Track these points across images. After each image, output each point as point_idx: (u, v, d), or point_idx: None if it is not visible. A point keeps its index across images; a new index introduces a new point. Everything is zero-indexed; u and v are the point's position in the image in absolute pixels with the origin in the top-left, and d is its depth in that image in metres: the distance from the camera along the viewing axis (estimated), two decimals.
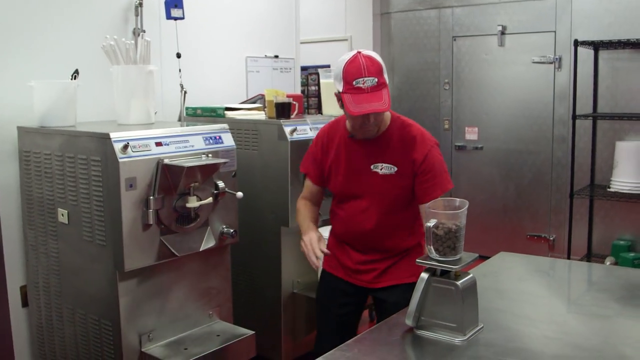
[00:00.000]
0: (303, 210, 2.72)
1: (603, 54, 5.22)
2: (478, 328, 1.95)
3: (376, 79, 2.25)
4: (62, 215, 2.91)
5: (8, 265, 3.19)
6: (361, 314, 2.81)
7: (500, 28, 5.75)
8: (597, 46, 5.08)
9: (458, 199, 1.92)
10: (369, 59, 2.29)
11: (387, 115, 2.48)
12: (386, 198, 2.49)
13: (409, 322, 1.94)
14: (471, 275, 1.95)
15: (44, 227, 3.07)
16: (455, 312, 1.89)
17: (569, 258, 5.13)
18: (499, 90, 5.89)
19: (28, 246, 3.22)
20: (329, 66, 6.40)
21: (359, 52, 2.31)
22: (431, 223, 1.86)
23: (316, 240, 2.50)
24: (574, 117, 4.99)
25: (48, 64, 3.31)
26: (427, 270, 1.93)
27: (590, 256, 5.36)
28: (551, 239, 5.73)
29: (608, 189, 5.04)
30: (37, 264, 3.17)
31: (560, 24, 5.44)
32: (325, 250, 2.48)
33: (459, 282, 1.88)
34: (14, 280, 3.29)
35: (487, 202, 6.05)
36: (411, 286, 2.56)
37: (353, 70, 2.26)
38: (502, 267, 2.77)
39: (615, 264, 5.06)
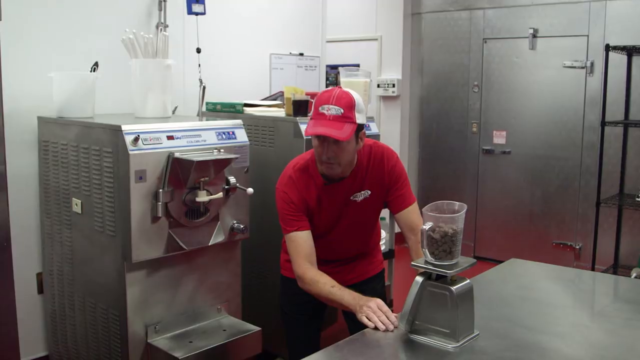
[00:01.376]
0: (322, 278, 2.31)
1: (637, 60, 5.10)
2: (473, 335, 1.92)
3: (342, 110, 2.21)
4: (76, 205, 2.96)
5: (25, 252, 3.28)
6: (324, 312, 2.73)
7: (531, 31, 5.65)
8: (630, 51, 4.97)
9: (458, 203, 1.89)
10: (344, 92, 2.26)
11: (352, 157, 2.37)
12: (367, 222, 2.60)
13: (402, 325, 1.92)
14: (467, 280, 1.91)
15: (59, 216, 3.12)
16: (449, 317, 1.86)
17: (593, 267, 5.03)
18: (529, 95, 5.80)
19: (45, 234, 3.28)
20: (358, 65, 6.40)
21: (339, 87, 2.31)
22: (426, 226, 1.84)
23: (383, 303, 2.13)
24: (603, 123, 4.89)
25: (70, 56, 3.36)
26: (422, 273, 1.90)
27: (617, 267, 5.24)
28: (577, 247, 5.62)
29: (637, 199, 4.93)
30: (52, 252, 3.23)
31: (594, 28, 5.32)
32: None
33: (454, 288, 1.85)
34: (31, 268, 3.36)
35: (513, 207, 5.97)
36: (377, 276, 2.73)
37: (323, 98, 2.26)
38: (511, 274, 2.72)
39: None
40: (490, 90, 6.05)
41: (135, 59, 3.11)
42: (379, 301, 2.09)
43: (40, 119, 3.20)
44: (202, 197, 2.77)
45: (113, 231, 2.74)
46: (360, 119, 2.27)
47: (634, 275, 4.94)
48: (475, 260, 1.92)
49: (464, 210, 1.86)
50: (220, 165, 2.82)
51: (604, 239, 5.13)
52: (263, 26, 4.49)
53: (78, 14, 3.41)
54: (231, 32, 4.26)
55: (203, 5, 3.49)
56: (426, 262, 1.89)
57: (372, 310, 2.04)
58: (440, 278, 1.90)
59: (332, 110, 2.21)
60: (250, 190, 2.97)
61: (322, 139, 2.26)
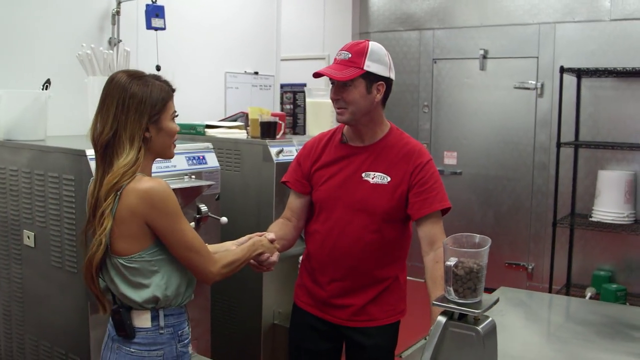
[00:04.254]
0: (271, 227, 2.44)
1: (586, 82, 5.18)
2: None
3: (350, 55, 2.25)
4: (28, 237, 2.66)
5: None
6: (339, 358, 2.55)
7: (482, 52, 5.67)
8: (580, 73, 5.03)
9: (478, 236, 1.76)
10: (364, 41, 2.30)
11: (363, 105, 2.27)
12: (374, 211, 2.29)
13: None
14: (490, 318, 1.77)
15: (7, 250, 2.81)
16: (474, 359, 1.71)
17: (550, 287, 5.03)
18: (479, 115, 5.80)
19: None
20: (305, 85, 6.25)
21: (367, 40, 2.32)
22: (452, 262, 1.69)
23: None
24: (559, 144, 4.92)
25: (18, 72, 3.06)
26: (444, 313, 1.74)
27: (569, 286, 5.27)
28: (530, 267, 5.62)
29: (590, 219, 4.97)
30: None
31: (544, 50, 5.38)
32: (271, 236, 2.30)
33: (479, 327, 1.70)
34: None
35: (465, 228, 5.84)
36: (391, 327, 2.43)
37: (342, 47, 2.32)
38: (504, 304, 2.61)
39: (597, 295, 4.97)
40: (440, 110, 6.02)
41: (92, 76, 2.86)
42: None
43: None
44: None
45: (74, 267, 2.47)
46: (373, 67, 2.24)
47: (588, 295, 4.99)
48: (497, 297, 1.79)
49: (489, 245, 1.72)
50: (192, 193, 2.61)
51: (556, 259, 5.14)
52: (218, 43, 4.29)
53: (27, 28, 3.12)
54: (187, 49, 4.04)
55: (163, 20, 3.27)
56: (448, 300, 1.74)
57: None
58: (462, 317, 1.75)
59: (342, 55, 2.27)
60: (224, 219, 2.77)
61: (334, 84, 2.29)
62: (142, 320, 1.87)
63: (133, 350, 1.85)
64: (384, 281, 2.39)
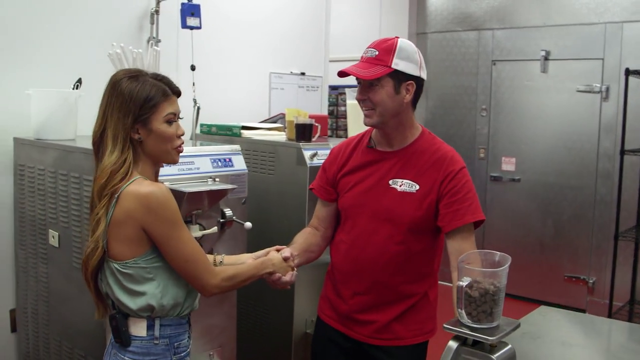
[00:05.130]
0: (297, 238, 2.36)
1: None
2: None
3: (377, 52, 2.11)
4: (53, 237, 2.65)
5: None
6: None
7: (543, 53, 5.40)
8: None
9: (498, 253, 1.59)
10: (392, 38, 2.14)
11: (391, 107, 2.13)
12: (400, 220, 2.14)
13: None
14: (509, 346, 1.60)
15: (35, 249, 2.80)
16: None
17: (610, 303, 4.73)
18: (540, 120, 5.53)
19: (19, 268, 2.97)
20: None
21: (396, 37, 2.17)
22: (464, 282, 1.53)
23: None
24: (622, 151, 4.61)
25: (51, 71, 3.06)
26: (455, 338, 1.59)
27: (633, 303, 4.94)
28: (590, 281, 5.31)
29: None
30: (27, 288, 2.91)
31: (609, 51, 5.07)
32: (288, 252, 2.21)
33: (494, 356, 1.54)
34: (4, 304, 3.05)
35: (523, 238, 5.67)
36: (417, 348, 2.23)
37: (370, 44, 2.17)
38: (543, 326, 2.40)
39: None
40: (499, 114, 5.78)
41: None
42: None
43: (16, 140, 2.90)
44: (195, 232, 2.46)
45: None
46: (401, 66, 2.09)
47: None
48: (518, 321, 1.62)
49: (508, 264, 1.55)
50: (215, 196, 2.52)
51: (619, 273, 4.83)
52: (262, 43, 4.21)
53: (62, 26, 3.12)
54: (228, 49, 3.97)
55: (199, 19, 3.20)
56: (461, 324, 1.58)
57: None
58: (477, 343, 1.59)
59: (368, 52, 2.13)
60: (248, 224, 2.67)
61: (360, 83, 2.14)
62: (138, 329, 1.80)
63: (126, 359, 1.78)
64: (411, 297, 2.22)
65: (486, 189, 5.87)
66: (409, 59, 2.11)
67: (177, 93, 1.86)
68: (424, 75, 2.17)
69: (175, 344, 1.83)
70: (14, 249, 2.99)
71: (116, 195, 1.72)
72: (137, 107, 1.75)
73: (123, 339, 1.79)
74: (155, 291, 1.76)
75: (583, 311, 5.24)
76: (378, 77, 2.07)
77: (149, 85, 1.77)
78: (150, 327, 1.79)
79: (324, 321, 2.36)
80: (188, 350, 1.90)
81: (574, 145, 5.35)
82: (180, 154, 1.89)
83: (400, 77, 2.10)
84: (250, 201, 2.85)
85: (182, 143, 1.88)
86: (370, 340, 2.23)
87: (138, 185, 1.74)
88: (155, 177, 1.87)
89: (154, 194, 1.72)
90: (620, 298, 4.90)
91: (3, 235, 2.99)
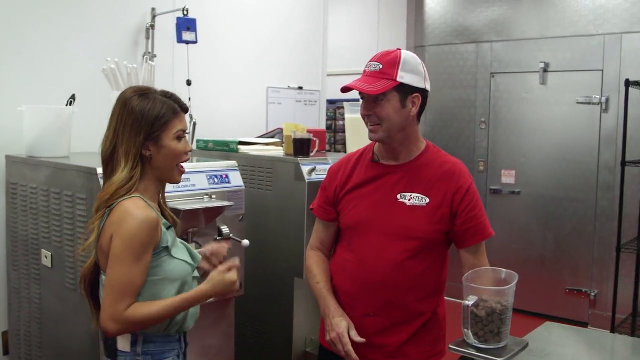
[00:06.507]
0: (316, 269, 2.23)
1: None
2: None
3: (381, 66, 2.03)
4: (46, 257, 2.59)
5: None
6: None
7: (542, 65, 5.36)
8: None
9: (505, 270, 1.54)
10: (395, 51, 2.07)
11: (398, 122, 2.07)
12: (413, 235, 2.07)
13: None
14: None
15: (27, 270, 2.74)
16: None
17: (613, 316, 4.66)
18: (540, 132, 5.48)
19: (11, 289, 2.90)
20: (357, 100, 6.09)
21: (400, 49, 2.10)
22: (470, 301, 1.47)
23: (346, 329, 2.05)
24: (624, 163, 4.56)
25: (45, 87, 3.03)
26: (462, 359, 1.53)
27: (635, 316, 4.87)
28: (592, 294, 5.25)
29: None
30: (20, 309, 2.84)
31: (609, 62, 5.04)
32: (359, 339, 2.04)
33: None
34: None
35: (523, 251, 5.60)
36: None
37: (372, 57, 2.11)
38: (550, 343, 2.33)
39: None
40: (498, 127, 5.73)
41: (117, 91, 2.77)
42: (340, 323, 2.05)
43: (8, 157, 2.84)
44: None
45: None
46: (407, 79, 2.02)
47: None
48: (527, 341, 1.56)
49: (515, 282, 1.49)
50: (211, 214, 2.47)
51: (621, 286, 4.76)
52: (259, 57, 4.17)
53: (55, 41, 3.08)
54: (225, 63, 3.94)
55: (195, 34, 3.16)
56: (467, 345, 1.52)
57: (333, 341, 2.05)
58: None
59: (372, 66, 2.05)
60: (245, 242, 2.60)
61: (364, 99, 2.07)
62: (124, 344, 1.78)
63: None
64: (422, 316, 2.13)
65: (486, 202, 5.80)
66: (413, 72, 2.05)
67: (186, 110, 1.87)
68: (428, 87, 2.12)
69: None
70: (7, 269, 2.93)
71: (109, 209, 1.70)
72: (149, 125, 1.76)
73: (108, 352, 1.78)
74: None
75: (585, 324, 5.18)
76: (384, 91, 2.01)
77: (159, 103, 1.77)
78: (134, 344, 1.76)
79: (329, 350, 2.18)
80: None
81: (574, 158, 5.30)
82: None
83: (406, 91, 2.04)
84: (247, 218, 2.80)
85: (188, 160, 1.88)
86: None
87: (131, 203, 1.72)
88: (157, 197, 1.85)
89: (133, 217, 1.70)
90: (623, 311, 4.83)
91: None
